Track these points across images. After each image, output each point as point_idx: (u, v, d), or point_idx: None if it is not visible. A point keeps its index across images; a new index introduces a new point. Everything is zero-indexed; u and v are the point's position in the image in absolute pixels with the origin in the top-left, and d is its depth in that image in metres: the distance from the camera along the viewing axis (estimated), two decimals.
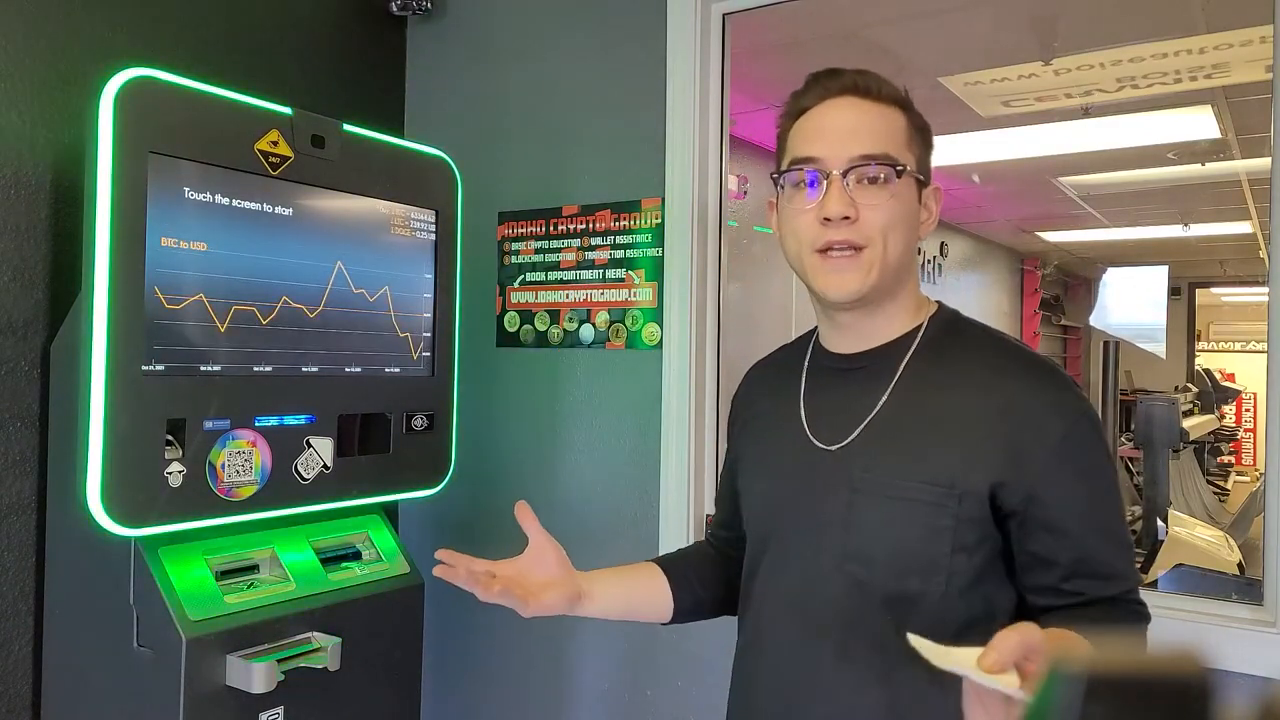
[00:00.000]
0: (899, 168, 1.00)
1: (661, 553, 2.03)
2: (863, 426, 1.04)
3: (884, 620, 0.99)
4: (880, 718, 0.99)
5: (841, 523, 1.03)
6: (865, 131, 1.02)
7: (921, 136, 1.07)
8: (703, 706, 1.99)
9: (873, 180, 1.00)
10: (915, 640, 0.75)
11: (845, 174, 1.00)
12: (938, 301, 1.12)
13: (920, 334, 1.07)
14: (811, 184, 1.02)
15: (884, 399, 1.04)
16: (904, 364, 1.05)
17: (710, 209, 2.07)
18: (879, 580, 1.00)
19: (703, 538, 2.02)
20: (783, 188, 1.07)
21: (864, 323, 1.07)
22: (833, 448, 1.05)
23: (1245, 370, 8.30)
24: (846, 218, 1.00)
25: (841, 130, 1.02)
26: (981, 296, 6.90)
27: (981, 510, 0.98)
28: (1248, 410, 8.48)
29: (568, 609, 1.13)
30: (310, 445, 1.69)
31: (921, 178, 1.06)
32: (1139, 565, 3.76)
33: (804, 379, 1.14)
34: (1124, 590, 0.99)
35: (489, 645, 2.32)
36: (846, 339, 1.10)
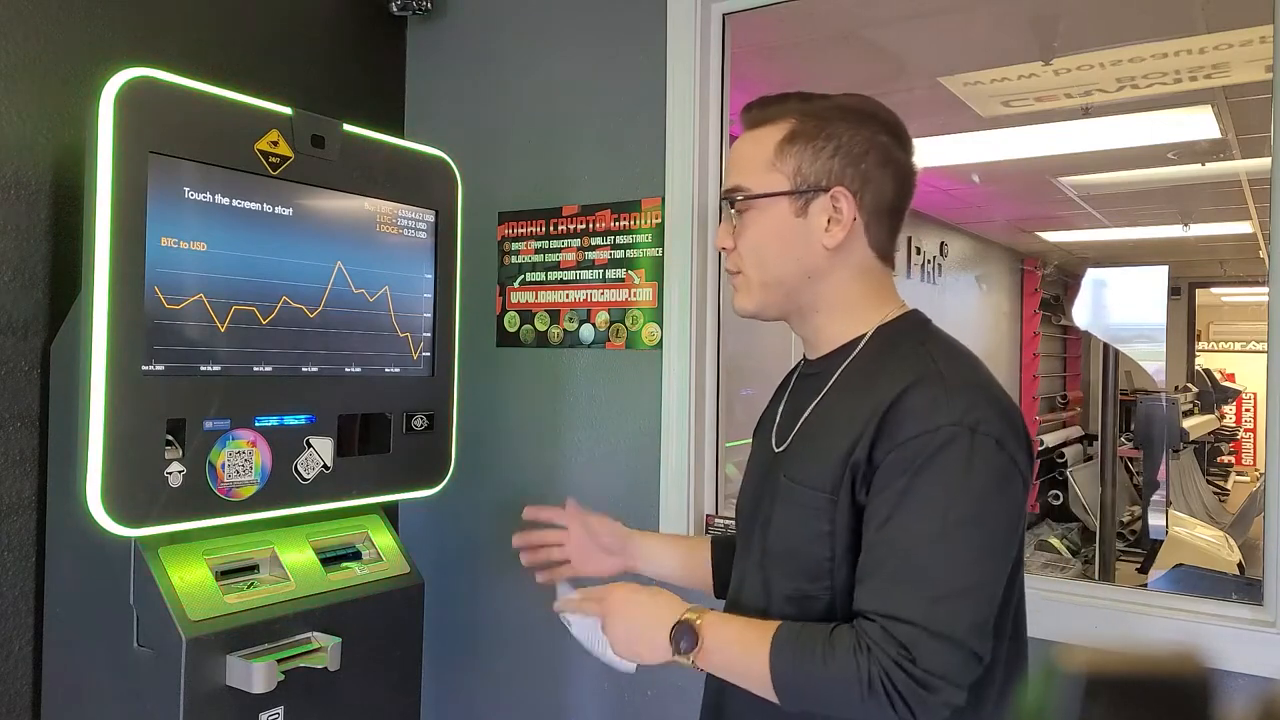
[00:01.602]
0: (738, 198, 1.07)
1: None
2: (796, 429, 1.08)
3: (789, 618, 1.02)
4: (785, 711, 1.01)
5: (764, 522, 1.08)
6: (730, 166, 1.11)
7: (806, 143, 1.03)
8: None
9: (738, 212, 1.08)
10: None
11: (720, 209, 1.09)
12: (907, 310, 1.10)
13: (861, 342, 1.07)
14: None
15: (814, 404, 1.07)
16: (839, 371, 1.07)
17: (710, 209, 2.07)
18: (777, 580, 1.04)
19: (704, 537, 2.03)
20: None
21: (804, 332, 1.13)
22: (779, 450, 1.10)
23: (1245, 370, 8.30)
24: (724, 248, 1.11)
25: (725, 168, 1.15)
26: (981, 296, 6.90)
27: (853, 515, 0.98)
28: (1248, 410, 8.48)
29: (617, 571, 1.35)
30: (310, 445, 1.69)
31: (790, 191, 1.03)
32: (1138, 566, 3.76)
33: (791, 384, 1.19)
34: (877, 609, 0.91)
35: (489, 645, 2.32)
36: (807, 346, 1.14)
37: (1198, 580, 3.00)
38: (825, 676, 0.92)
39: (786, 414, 1.13)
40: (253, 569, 1.64)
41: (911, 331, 1.07)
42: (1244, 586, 2.29)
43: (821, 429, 1.04)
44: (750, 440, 1.27)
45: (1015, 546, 0.99)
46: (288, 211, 1.66)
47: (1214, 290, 8.50)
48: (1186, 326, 8.10)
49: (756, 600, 1.07)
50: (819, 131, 1.04)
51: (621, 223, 2.13)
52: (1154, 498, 3.88)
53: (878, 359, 1.04)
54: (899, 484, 0.93)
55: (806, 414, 1.07)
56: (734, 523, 1.23)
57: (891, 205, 1.06)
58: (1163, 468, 3.91)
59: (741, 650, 0.99)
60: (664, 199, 2.07)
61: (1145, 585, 3.18)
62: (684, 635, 1.00)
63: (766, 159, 1.05)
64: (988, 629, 0.92)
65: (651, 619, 1.04)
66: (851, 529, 0.98)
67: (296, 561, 1.68)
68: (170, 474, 1.48)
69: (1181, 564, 3.38)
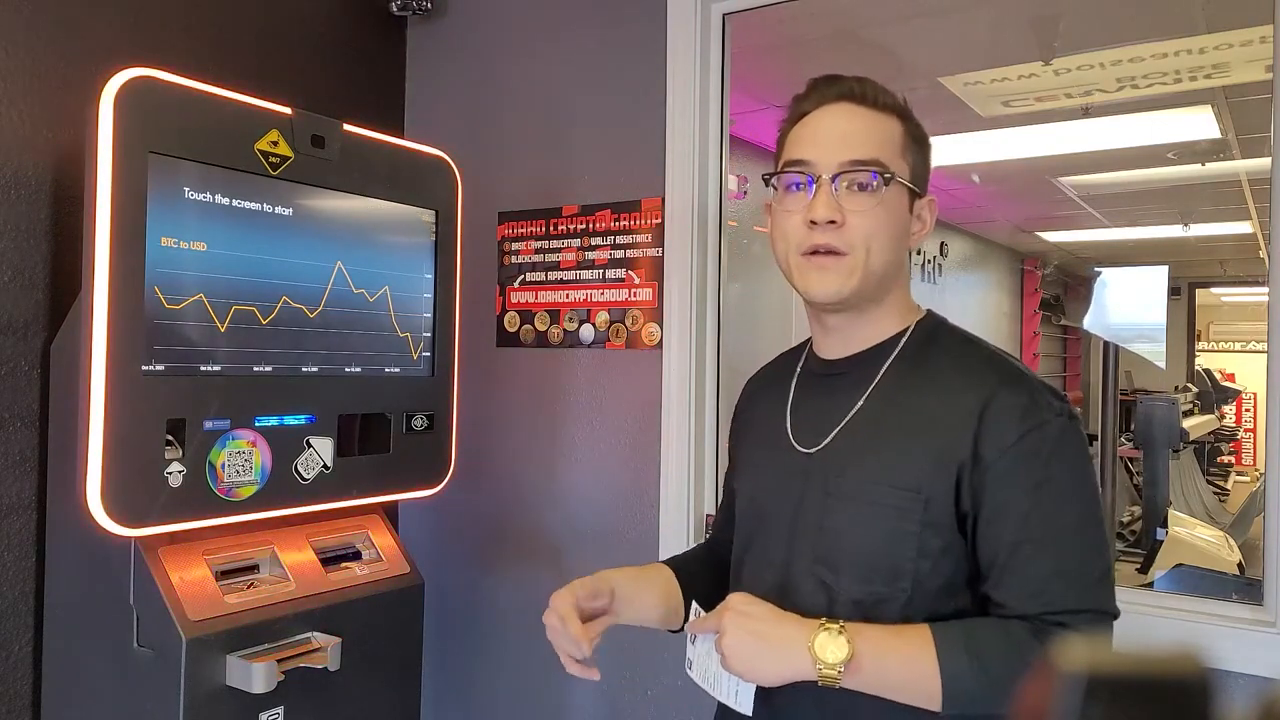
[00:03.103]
0: (888, 175, 1.01)
1: (662, 553, 2.04)
2: (838, 430, 1.05)
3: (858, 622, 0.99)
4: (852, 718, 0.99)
5: (814, 525, 1.04)
6: (857, 137, 1.03)
7: (918, 147, 1.08)
8: (703, 706, 1.98)
9: (862, 186, 1.02)
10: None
11: (835, 178, 1.01)
12: (927, 309, 1.13)
13: (904, 340, 1.07)
14: (800, 186, 1.04)
15: (861, 403, 1.05)
16: (884, 369, 1.06)
17: (710, 209, 2.07)
18: (845, 583, 1.01)
19: (704, 537, 2.03)
20: (775, 189, 1.08)
21: (850, 326, 1.08)
22: (811, 451, 1.07)
23: (1245, 370, 8.29)
24: (832, 221, 1.01)
25: (834, 135, 1.03)
26: (981, 296, 6.90)
27: (947, 515, 0.97)
28: (1248, 410, 8.47)
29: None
30: (310, 445, 1.69)
31: (915, 188, 1.07)
32: (1137, 566, 3.76)
33: (794, 384, 1.16)
34: (1051, 611, 0.92)
35: (489, 645, 2.32)
36: (834, 343, 1.11)
37: (1198, 580, 3.00)
38: (1015, 678, 0.86)
39: (809, 414, 1.10)
40: (253, 569, 1.64)
41: (945, 329, 1.10)
42: (1244, 586, 2.29)
43: (887, 427, 1.02)
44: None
45: None
46: (288, 211, 1.66)
47: (1214, 290, 8.49)
48: (1186, 326, 8.10)
49: (813, 610, 1.00)
50: (924, 138, 1.09)
51: (621, 223, 2.13)
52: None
53: (926, 357, 1.05)
54: (1031, 479, 0.95)
55: (853, 413, 1.05)
56: (738, 527, 1.18)
57: None
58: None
59: (902, 659, 0.93)
60: (664, 199, 2.07)
61: (1151, 585, 3.18)
62: (834, 645, 0.92)
63: (898, 147, 1.05)
64: None
65: (779, 631, 0.95)
66: (940, 527, 0.97)
67: (296, 561, 1.68)
68: (170, 474, 1.48)
69: (1181, 564, 3.38)
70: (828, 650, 0.91)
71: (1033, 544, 0.94)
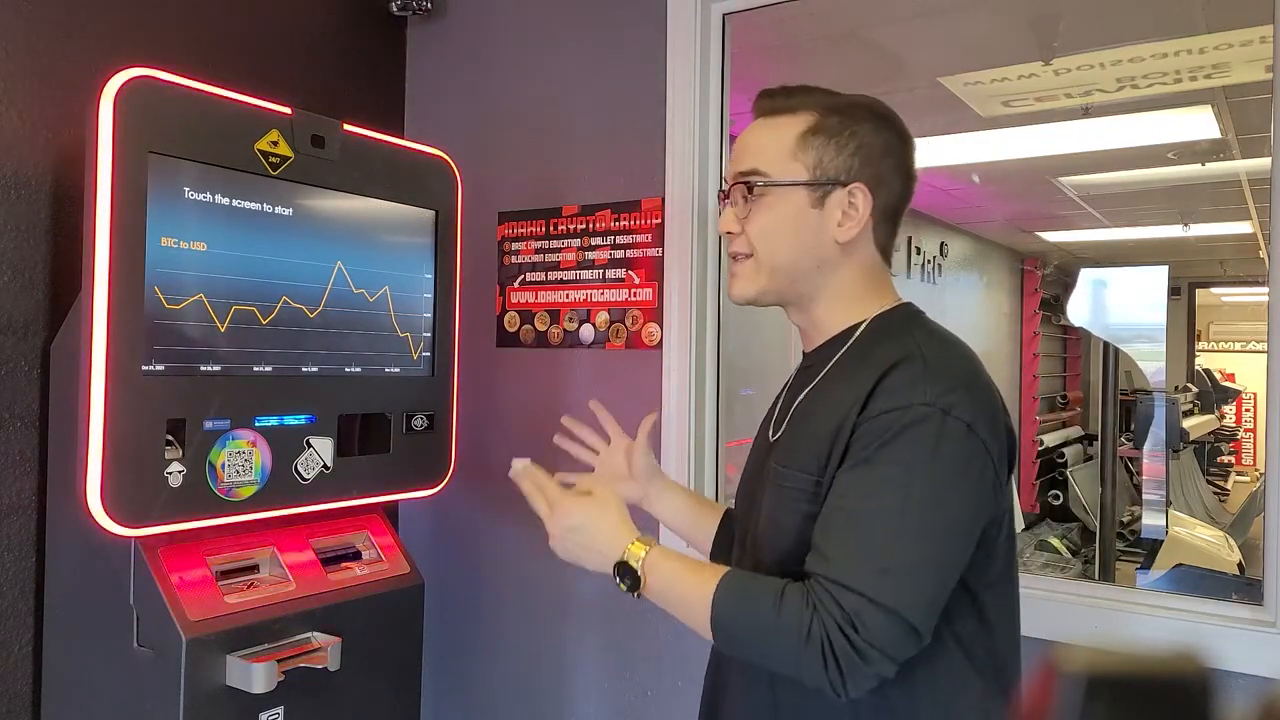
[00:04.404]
0: (753, 182, 1.07)
1: None
2: (787, 418, 1.10)
3: None
4: (768, 696, 1.05)
5: (756, 510, 1.10)
6: (746, 151, 1.10)
7: (829, 138, 1.05)
8: None
9: (743, 196, 1.09)
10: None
11: (728, 193, 1.10)
12: (906, 302, 1.12)
13: (858, 331, 1.09)
14: (721, 203, 1.15)
15: (805, 393, 1.09)
16: (833, 361, 1.08)
17: (710, 209, 2.07)
18: (766, 565, 1.05)
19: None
20: None
21: (803, 323, 1.14)
22: (772, 440, 1.13)
23: (1245, 370, 8.29)
24: (730, 232, 1.11)
25: (734, 152, 1.13)
26: (981, 296, 6.90)
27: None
28: (1248, 410, 8.47)
29: (632, 502, 1.30)
30: (310, 445, 1.69)
31: (815, 182, 1.05)
32: (1138, 565, 3.77)
33: (791, 379, 1.21)
34: (829, 579, 0.91)
35: (489, 645, 2.32)
36: (803, 338, 1.16)
37: (1197, 580, 3.00)
38: (770, 626, 0.93)
39: (783, 405, 1.15)
40: (253, 569, 1.64)
41: (903, 320, 1.10)
42: (1244, 586, 2.30)
43: (810, 414, 1.06)
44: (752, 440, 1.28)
45: (979, 531, 0.97)
46: (288, 211, 1.66)
47: (1214, 290, 8.49)
48: (1186, 326, 8.09)
49: None
50: (842, 127, 1.07)
51: (621, 223, 2.13)
52: (1150, 497, 3.88)
53: (870, 346, 1.06)
54: (863, 455, 0.95)
55: (798, 401, 1.09)
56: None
57: (896, 207, 1.10)
58: (1151, 464, 3.91)
59: (681, 596, 1.01)
60: (664, 199, 2.07)
61: (1136, 585, 3.18)
62: (626, 576, 1.03)
63: (787, 148, 1.07)
64: (934, 608, 0.93)
65: (595, 547, 1.06)
66: None
67: (296, 561, 1.68)
68: (170, 474, 1.48)
69: (1181, 564, 3.38)
70: (624, 582, 1.03)
71: (839, 514, 0.95)
